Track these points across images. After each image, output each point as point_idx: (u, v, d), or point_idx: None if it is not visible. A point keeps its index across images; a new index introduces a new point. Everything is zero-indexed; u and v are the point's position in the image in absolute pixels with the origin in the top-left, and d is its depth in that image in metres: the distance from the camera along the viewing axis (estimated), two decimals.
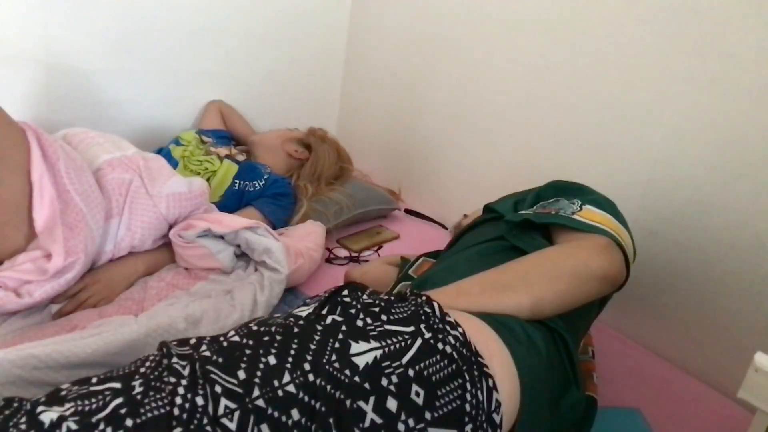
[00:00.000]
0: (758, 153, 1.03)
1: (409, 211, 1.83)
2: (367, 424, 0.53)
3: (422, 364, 0.58)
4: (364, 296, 0.67)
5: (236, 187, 1.47)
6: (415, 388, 0.56)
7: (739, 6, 1.02)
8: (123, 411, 0.49)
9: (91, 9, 1.43)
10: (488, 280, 0.76)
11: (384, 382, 0.56)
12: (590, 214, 0.84)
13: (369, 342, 0.59)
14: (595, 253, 0.77)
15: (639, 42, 1.18)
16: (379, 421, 0.53)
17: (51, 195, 0.98)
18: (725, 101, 1.06)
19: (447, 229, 1.66)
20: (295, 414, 0.52)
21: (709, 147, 1.10)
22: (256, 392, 0.52)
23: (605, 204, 0.88)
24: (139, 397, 0.51)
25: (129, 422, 0.48)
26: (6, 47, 1.35)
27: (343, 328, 0.60)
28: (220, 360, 0.55)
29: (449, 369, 0.59)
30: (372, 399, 0.54)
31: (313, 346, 0.57)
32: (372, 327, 0.61)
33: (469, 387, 0.58)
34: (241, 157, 1.60)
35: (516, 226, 0.89)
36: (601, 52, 1.25)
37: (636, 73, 1.19)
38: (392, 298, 0.67)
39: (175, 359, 0.55)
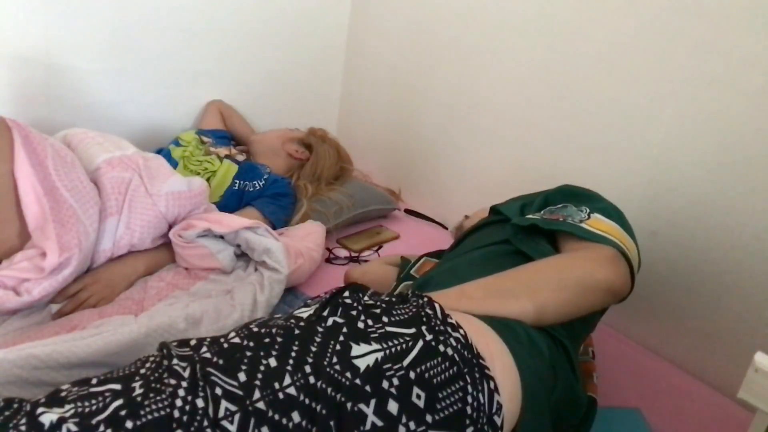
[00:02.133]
0: (758, 153, 1.03)
1: (409, 211, 1.83)
2: (367, 426, 0.53)
3: (423, 367, 0.58)
4: (365, 297, 0.67)
5: (236, 187, 1.47)
6: (416, 390, 0.56)
7: (739, 6, 1.02)
8: (123, 413, 0.49)
9: (91, 9, 1.43)
10: (492, 286, 0.76)
11: (385, 384, 0.55)
12: (598, 223, 0.83)
13: (370, 344, 0.58)
14: (601, 264, 0.77)
15: (639, 42, 1.18)
16: (380, 423, 0.53)
17: (38, 192, 0.97)
18: (725, 101, 1.06)
19: (447, 229, 1.66)
20: (295, 417, 0.51)
21: (709, 147, 1.10)
22: (257, 394, 0.52)
23: (614, 213, 0.87)
24: (139, 398, 0.51)
25: (129, 424, 0.48)
26: (6, 47, 1.35)
27: (344, 329, 0.60)
28: (221, 362, 0.55)
29: (450, 371, 0.58)
30: (373, 402, 0.54)
31: (314, 348, 0.57)
32: (373, 329, 0.60)
33: (470, 389, 0.58)
34: (241, 157, 1.59)
35: (522, 230, 0.88)
36: (601, 52, 1.25)
37: (636, 73, 1.19)
38: (393, 299, 0.67)
39: (175, 361, 0.55)
